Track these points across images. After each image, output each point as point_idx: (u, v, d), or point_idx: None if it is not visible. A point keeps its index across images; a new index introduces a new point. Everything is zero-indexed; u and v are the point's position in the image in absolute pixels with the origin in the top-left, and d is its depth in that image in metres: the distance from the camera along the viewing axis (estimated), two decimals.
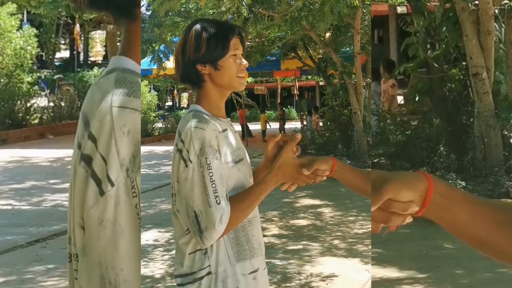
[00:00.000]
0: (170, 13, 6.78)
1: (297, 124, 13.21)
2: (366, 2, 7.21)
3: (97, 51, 20.51)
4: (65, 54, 19.54)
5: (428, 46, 5.04)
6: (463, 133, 4.84)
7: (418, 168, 4.61)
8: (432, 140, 5.03)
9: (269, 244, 3.81)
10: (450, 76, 4.87)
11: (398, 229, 0.66)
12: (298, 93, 17.12)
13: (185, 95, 22.53)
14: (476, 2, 4.52)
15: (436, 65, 4.92)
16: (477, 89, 4.61)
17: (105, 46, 17.71)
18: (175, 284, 1.10)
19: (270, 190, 1.07)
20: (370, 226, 4.53)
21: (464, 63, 4.75)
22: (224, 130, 1.07)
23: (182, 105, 23.57)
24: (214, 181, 0.98)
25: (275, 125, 14.40)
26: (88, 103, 0.59)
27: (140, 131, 0.55)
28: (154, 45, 7.66)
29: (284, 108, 15.09)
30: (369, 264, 3.34)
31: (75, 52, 16.88)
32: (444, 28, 4.85)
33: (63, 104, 11.26)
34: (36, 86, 10.98)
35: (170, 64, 8.07)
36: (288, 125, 12.94)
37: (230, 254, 1.04)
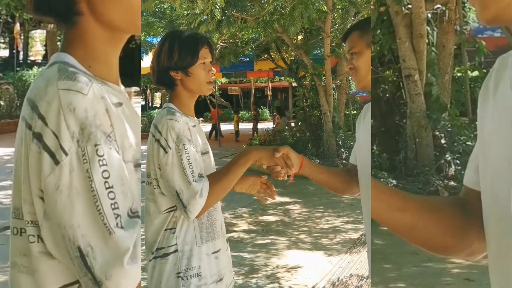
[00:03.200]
0: (144, 13, 6.81)
1: (269, 125, 13.39)
2: (338, 7, 7.44)
3: (37, 51, 19.87)
4: (5, 53, 18.84)
5: None
6: (395, 133, 4.98)
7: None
8: None
9: (238, 239, 3.96)
10: (384, 78, 5.09)
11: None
12: (271, 94, 17.31)
13: (158, 94, 22.22)
14: (410, 6, 4.74)
15: (371, 67, 5.17)
16: (409, 90, 4.81)
17: (45, 45, 17.12)
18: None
19: (243, 167, 1.22)
20: (335, 221, 4.70)
21: (397, 65, 4.97)
22: (194, 126, 1.22)
23: (155, 105, 23.20)
24: (191, 163, 1.15)
25: (248, 125, 14.49)
26: (33, 90, 0.66)
27: (86, 109, 0.62)
28: None
29: (258, 109, 15.22)
30: (332, 256, 3.55)
31: (14, 51, 16.25)
32: (379, 31, 5.02)
33: (2, 103, 10.96)
34: None
35: (143, 63, 8.02)
36: (261, 126, 13.09)
37: (197, 236, 1.21)
